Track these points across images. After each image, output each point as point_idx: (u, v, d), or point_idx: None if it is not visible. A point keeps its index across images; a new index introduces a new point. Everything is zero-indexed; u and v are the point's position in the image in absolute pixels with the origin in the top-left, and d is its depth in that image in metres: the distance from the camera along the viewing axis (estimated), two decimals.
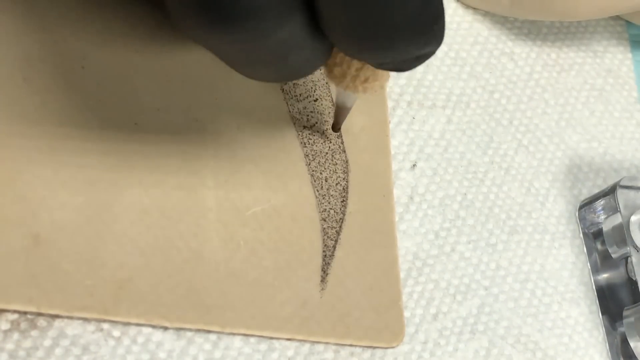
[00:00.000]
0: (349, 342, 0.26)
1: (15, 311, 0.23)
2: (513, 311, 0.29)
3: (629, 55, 0.37)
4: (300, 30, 0.19)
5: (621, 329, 0.30)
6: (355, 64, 0.22)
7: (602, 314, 0.30)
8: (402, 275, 0.28)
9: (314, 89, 0.29)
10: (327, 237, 0.27)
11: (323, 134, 0.29)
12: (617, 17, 0.38)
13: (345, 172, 0.29)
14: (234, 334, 0.25)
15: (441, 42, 0.20)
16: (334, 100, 0.27)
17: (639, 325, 0.29)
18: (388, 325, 0.27)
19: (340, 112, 0.28)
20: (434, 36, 0.20)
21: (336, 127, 0.28)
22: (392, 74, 0.32)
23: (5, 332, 0.23)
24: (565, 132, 0.34)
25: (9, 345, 0.23)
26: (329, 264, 0.27)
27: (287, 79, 0.23)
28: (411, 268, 0.29)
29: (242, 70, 0.21)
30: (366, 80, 0.23)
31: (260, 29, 0.18)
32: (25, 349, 0.23)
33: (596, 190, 0.33)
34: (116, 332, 0.24)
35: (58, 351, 0.23)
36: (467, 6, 0.35)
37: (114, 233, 0.25)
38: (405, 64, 0.21)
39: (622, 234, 0.30)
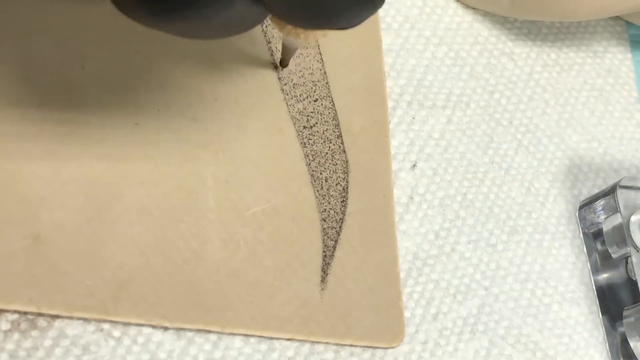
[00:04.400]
0: (349, 342, 0.26)
1: (15, 311, 0.23)
2: (513, 311, 0.29)
3: (629, 55, 0.37)
4: (244, 7, 0.19)
5: (621, 329, 0.30)
6: None
7: (602, 314, 0.30)
8: (402, 275, 0.28)
9: (314, 89, 0.29)
10: (327, 237, 0.27)
11: (323, 134, 0.29)
12: (617, 17, 0.38)
13: (345, 172, 0.29)
14: (234, 334, 0.25)
15: (383, 3, 0.20)
16: (282, 39, 0.28)
17: (639, 325, 0.29)
18: (388, 326, 0.27)
19: (287, 51, 0.28)
20: (375, 6, 0.20)
21: (283, 64, 0.29)
22: (392, 74, 0.32)
23: (6, 332, 0.23)
24: (565, 132, 0.34)
25: (9, 346, 0.23)
26: (329, 264, 0.27)
27: (226, 37, 0.23)
28: (411, 268, 0.29)
29: (186, 37, 0.22)
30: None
31: (204, 15, 0.19)
32: (26, 349, 0.23)
33: (596, 190, 0.33)
34: (116, 332, 0.24)
35: (58, 351, 0.23)
36: (467, 6, 0.35)
37: (114, 233, 0.25)
38: (347, 28, 0.21)
39: (622, 234, 0.30)
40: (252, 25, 0.21)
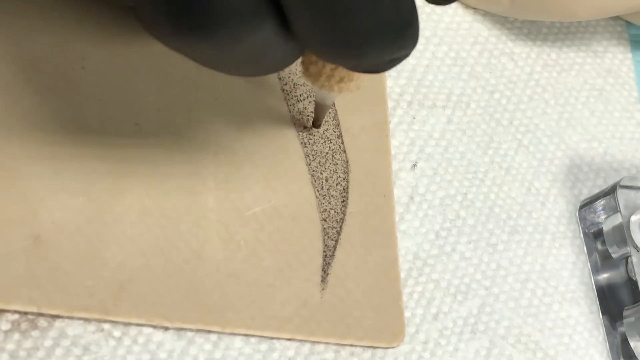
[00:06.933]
0: (349, 342, 0.26)
1: (15, 311, 0.23)
2: (514, 311, 0.29)
3: (629, 55, 0.37)
4: (272, 34, 0.19)
5: (621, 329, 0.30)
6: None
7: (603, 314, 0.30)
8: (402, 275, 0.28)
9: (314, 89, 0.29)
10: (328, 237, 0.27)
11: (323, 134, 0.29)
12: (617, 17, 0.38)
13: (346, 172, 0.29)
14: (234, 334, 0.25)
15: (415, 44, 0.20)
16: (314, 96, 0.27)
17: (639, 325, 0.29)
18: (388, 325, 0.27)
19: (319, 109, 0.28)
20: (407, 41, 0.19)
21: (316, 124, 0.29)
22: (392, 74, 0.32)
23: (6, 332, 0.23)
24: (565, 132, 0.34)
25: (10, 346, 0.23)
26: (329, 264, 0.27)
27: (260, 75, 0.22)
28: (412, 268, 0.29)
29: (212, 68, 0.21)
30: (341, 80, 0.23)
31: (230, 36, 0.18)
32: (26, 349, 0.23)
33: (596, 190, 0.33)
34: (117, 333, 0.24)
35: (59, 351, 0.23)
36: (467, 6, 0.35)
37: (114, 233, 0.25)
38: (379, 67, 0.20)
39: (622, 234, 0.30)
40: (281, 62, 0.21)
